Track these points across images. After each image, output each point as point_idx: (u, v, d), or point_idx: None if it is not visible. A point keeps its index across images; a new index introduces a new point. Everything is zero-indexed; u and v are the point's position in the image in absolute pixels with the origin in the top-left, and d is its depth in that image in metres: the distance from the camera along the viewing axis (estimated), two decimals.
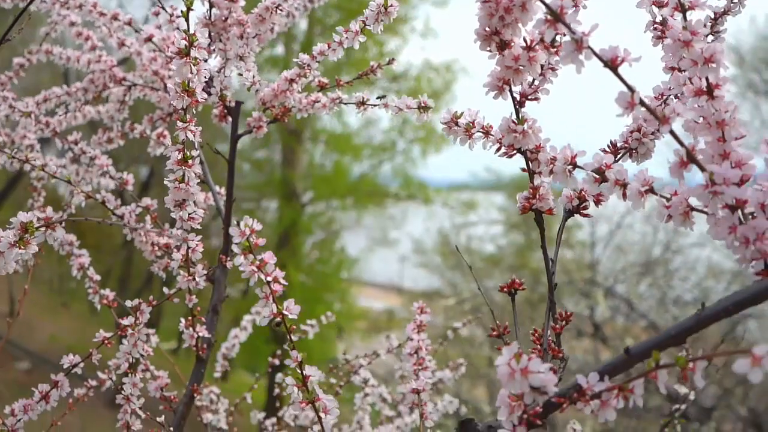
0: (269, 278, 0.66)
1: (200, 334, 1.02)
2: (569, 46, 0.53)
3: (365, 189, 11.48)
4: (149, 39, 1.06)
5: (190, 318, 1.01)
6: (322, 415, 0.68)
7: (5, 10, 1.22)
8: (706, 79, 0.57)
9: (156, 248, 1.07)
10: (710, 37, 0.78)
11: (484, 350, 7.61)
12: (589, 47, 0.53)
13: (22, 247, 0.70)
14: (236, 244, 0.65)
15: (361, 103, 0.99)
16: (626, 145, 0.73)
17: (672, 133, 0.54)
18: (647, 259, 7.19)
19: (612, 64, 0.53)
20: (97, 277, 1.13)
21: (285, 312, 0.67)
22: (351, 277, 11.90)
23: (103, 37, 1.23)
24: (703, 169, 0.54)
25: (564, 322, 0.67)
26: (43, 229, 0.69)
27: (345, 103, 1.00)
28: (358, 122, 11.78)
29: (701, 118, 0.58)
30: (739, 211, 0.56)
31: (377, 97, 0.97)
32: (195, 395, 1.05)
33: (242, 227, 0.65)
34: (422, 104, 0.88)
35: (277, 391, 1.50)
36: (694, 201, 0.58)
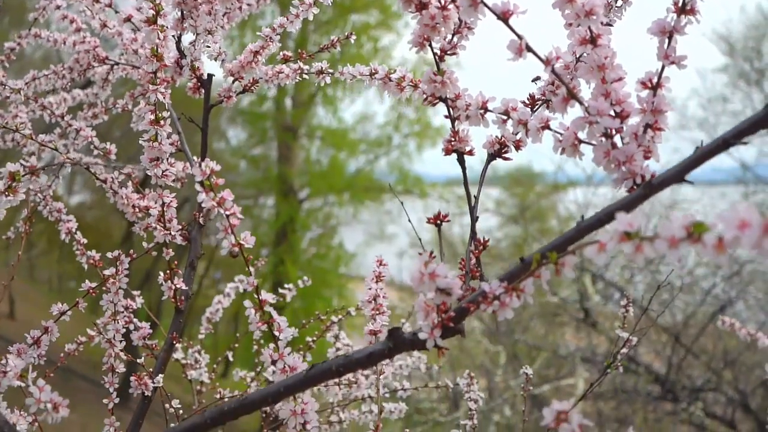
0: (228, 212, 0.76)
1: (178, 287, 1.12)
2: (465, 2, 0.63)
3: (362, 184, 11.58)
4: (128, 19, 1.15)
5: (168, 271, 1.11)
6: (276, 333, 0.78)
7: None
8: (589, 29, 0.67)
9: (137, 210, 1.17)
10: (620, 2, 0.88)
11: (482, 344, 7.74)
12: (482, 2, 0.63)
13: (10, 194, 0.80)
14: (198, 182, 0.75)
15: (320, 72, 1.09)
16: (543, 97, 0.82)
17: (554, 73, 0.64)
18: None
19: (504, 17, 0.63)
20: (84, 240, 1.22)
21: (242, 242, 0.77)
22: (349, 272, 11.97)
23: (87, 20, 1.32)
24: (581, 104, 0.64)
25: (482, 247, 0.77)
26: (28, 176, 0.79)
27: (306, 73, 1.10)
28: (353, 118, 11.87)
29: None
30: (620, 140, 0.66)
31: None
32: (174, 343, 1.14)
33: (203, 167, 0.75)
34: (373, 71, 0.98)
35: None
36: (582, 135, 0.68)
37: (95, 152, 1.25)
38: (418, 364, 1.54)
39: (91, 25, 1.34)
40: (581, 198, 8.53)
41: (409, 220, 1.12)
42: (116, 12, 1.21)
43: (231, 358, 1.59)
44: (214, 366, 1.54)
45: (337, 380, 1.41)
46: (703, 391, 5.90)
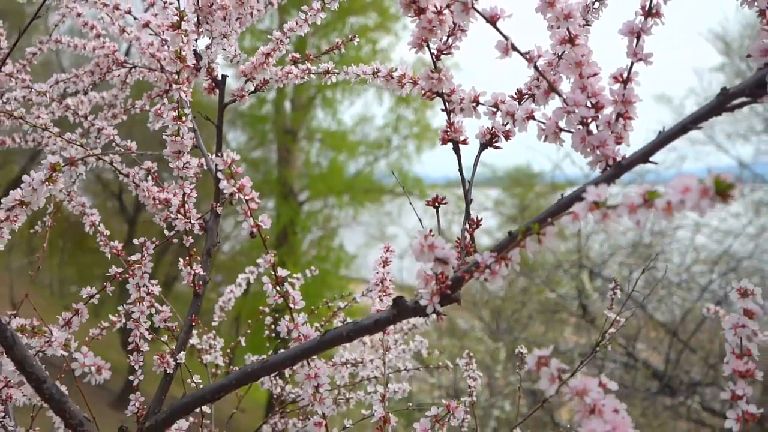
0: (247, 198, 0.85)
1: (197, 272, 1.20)
2: (458, 8, 0.72)
3: (361, 186, 11.66)
4: (146, 25, 1.24)
5: (187, 258, 1.19)
6: (291, 305, 0.87)
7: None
8: (568, 30, 0.76)
9: (157, 202, 1.26)
10: (596, 3, 0.97)
11: (482, 342, 7.81)
12: (473, 8, 0.72)
13: (51, 183, 0.89)
14: (220, 170, 0.84)
15: (326, 72, 1.18)
16: (529, 92, 0.91)
17: (536, 69, 0.73)
18: (636, 243, 7.39)
19: (492, 20, 0.72)
20: (107, 232, 1.31)
21: (260, 223, 0.85)
22: (349, 274, 12.05)
23: (106, 26, 1.41)
24: (561, 96, 0.73)
25: (476, 226, 0.86)
26: (67, 167, 0.88)
27: (313, 73, 1.19)
28: (352, 120, 11.97)
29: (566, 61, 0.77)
30: (595, 127, 0.75)
31: None
32: (193, 325, 1.23)
33: (225, 157, 0.84)
34: (375, 70, 1.06)
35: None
36: (562, 124, 0.77)
37: (116, 149, 1.33)
38: (420, 348, 1.63)
39: (109, 30, 1.43)
40: None
41: (415, 211, 1.21)
42: (135, 19, 1.30)
43: (243, 343, 1.68)
44: (228, 350, 1.63)
45: (345, 361, 1.50)
46: (700, 386, 5.99)
